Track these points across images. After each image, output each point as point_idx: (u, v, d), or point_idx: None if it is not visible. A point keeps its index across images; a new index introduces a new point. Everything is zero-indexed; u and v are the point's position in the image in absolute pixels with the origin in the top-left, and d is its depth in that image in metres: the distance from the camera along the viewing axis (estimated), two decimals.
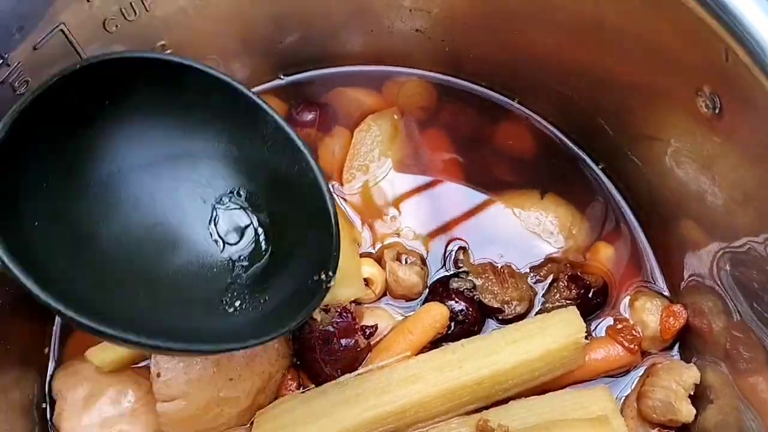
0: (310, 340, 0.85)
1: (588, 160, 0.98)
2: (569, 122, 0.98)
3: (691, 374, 0.82)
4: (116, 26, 0.84)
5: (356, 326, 0.86)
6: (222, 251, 0.78)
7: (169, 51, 0.92)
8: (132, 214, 0.75)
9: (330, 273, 0.73)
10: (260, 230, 0.79)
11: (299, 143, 0.76)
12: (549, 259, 0.94)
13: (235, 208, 0.79)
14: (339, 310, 0.85)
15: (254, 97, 0.76)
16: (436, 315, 0.88)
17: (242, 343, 0.69)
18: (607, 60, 0.83)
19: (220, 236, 0.78)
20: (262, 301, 0.75)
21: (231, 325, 0.73)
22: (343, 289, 0.86)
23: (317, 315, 0.85)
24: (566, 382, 0.86)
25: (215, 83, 0.75)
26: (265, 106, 0.76)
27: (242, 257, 0.78)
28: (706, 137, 0.76)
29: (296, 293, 0.74)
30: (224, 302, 0.75)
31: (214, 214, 0.79)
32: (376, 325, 0.88)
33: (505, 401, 0.84)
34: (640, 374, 0.88)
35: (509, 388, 0.84)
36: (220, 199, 0.79)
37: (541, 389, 0.85)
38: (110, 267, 0.71)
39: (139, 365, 0.89)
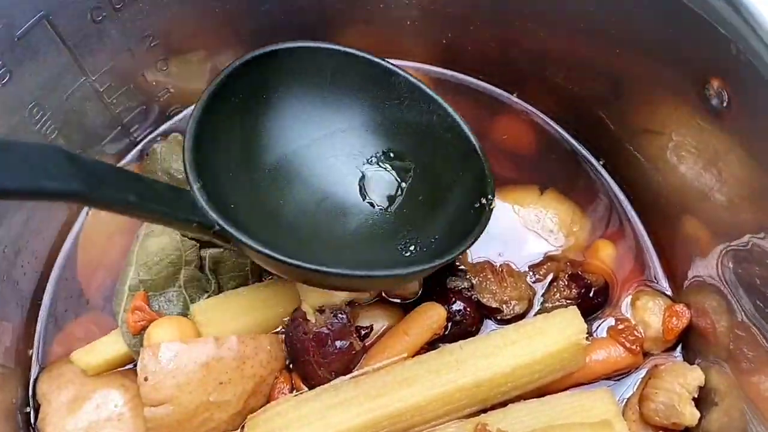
0: (303, 341, 0.82)
1: (589, 156, 0.96)
2: (569, 116, 0.95)
3: (695, 376, 0.80)
4: (104, 15, 0.81)
5: (351, 328, 0.83)
6: (386, 209, 0.85)
7: (156, 42, 0.89)
8: (303, 193, 0.83)
9: (489, 196, 0.79)
10: (415, 182, 0.85)
11: (432, 94, 0.84)
12: (548, 258, 0.92)
13: (387, 169, 0.86)
14: (334, 311, 0.83)
15: (387, 64, 0.84)
16: (433, 316, 0.86)
17: (419, 267, 0.75)
18: (609, 52, 0.80)
19: (380, 196, 0.85)
20: (432, 240, 0.80)
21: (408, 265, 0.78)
22: (338, 292, 0.84)
23: (311, 316, 0.83)
24: (567, 384, 0.84)
25: (353, 59, 0.83)
26: (397, 69, 0.84)
27: (405, 210, 0.84)
28: (712, 132, 0.74)
29: (463, 224, 0.79)
30: (400, 250, 0.80)
31: (372, 177, 0.86)
32: (371, 326, 0.86)
33: (503, 404, 0.82)
34: (642, 375, 0.86)
35: (508, 390, 0.82)
36: (374, 163, 0.86)
37: (541, 391, 0.83)
38: (293, 241, 0.78)
39: (125, 368, 0.87)
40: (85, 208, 0.95)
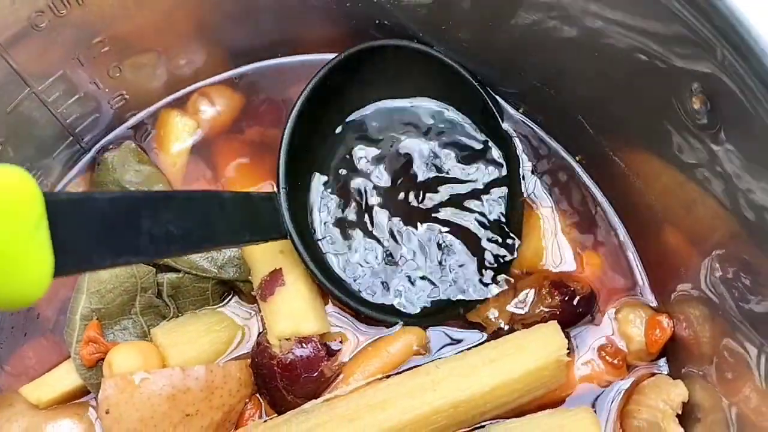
0: (270, 367, 0.78)
1: (572, 161, 0.92)
2: (549, 122, 0.91)
3: (678, 392, 0.77)
4: (47, 21, 0.75)
5: (321, 354, 0.79)
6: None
7: (106, 49, 0.83)
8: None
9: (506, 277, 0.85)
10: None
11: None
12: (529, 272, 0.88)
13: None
14: (300, 339, 0.78)
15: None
16: (414, 338, 0.83)
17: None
18: (595, 60, 0.76)
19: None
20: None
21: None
22: (306, 323, 0.79)
23: (276, 348, 0.78)
24: (547, 401, 0.81)
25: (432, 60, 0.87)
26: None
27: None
28: (694, 142, 0.71)
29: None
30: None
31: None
32: (341, 338, 0.82)
33: (481, 427, 0.79)
34: (626, 388, 0.83)
35: (487, 411, 0.79)
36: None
37: (522, 410, 0.80)
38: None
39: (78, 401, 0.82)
40: None
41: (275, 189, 0.83)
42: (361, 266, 0.85)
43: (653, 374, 0.83)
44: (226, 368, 0.77)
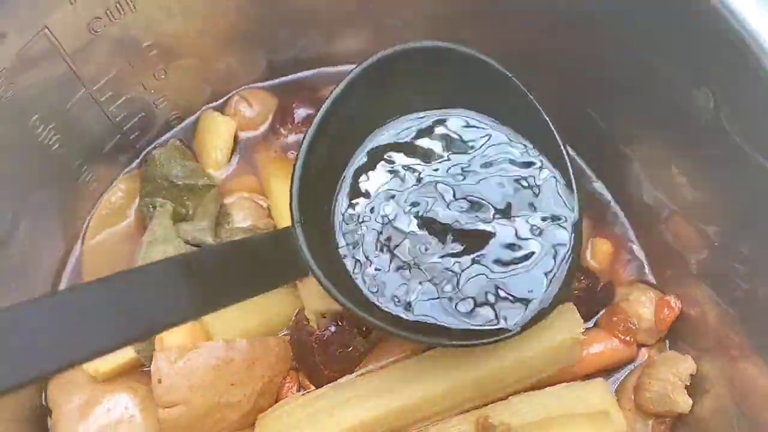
0: (308, 343, 0.84)
1: (576, 158, 0.98)
2: (562, 120, 0.97)
3: (686, 366, 0.83)
4: (103, 27, 0.82)
5: (353, 331, 0.85)
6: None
7: (154, 52, 0.90)
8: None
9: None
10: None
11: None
12: None
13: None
14: (335, 317, 0.85)
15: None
16: None
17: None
18: (603, 57, 0.83)
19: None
20: None
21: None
22: None
23: (313, 322, 0.85)
24: (565, 377, 0.87)
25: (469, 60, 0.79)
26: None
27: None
28: (700, 135, 0.77)
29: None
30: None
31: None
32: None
33: (504, 397, 0.85)
34: (637, 364, 0.89)
35: (508, 385, 0.85)
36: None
37: (540, 385, 0.86)
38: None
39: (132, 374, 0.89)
40: (90, 221, 0.97)
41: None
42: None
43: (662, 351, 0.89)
44: (266, 342, 0.84)
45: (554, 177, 0.80)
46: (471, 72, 0.80)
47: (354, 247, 0.78)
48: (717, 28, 0.67)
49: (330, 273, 0.73)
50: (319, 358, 0.84)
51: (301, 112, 1.00)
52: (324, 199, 0.79)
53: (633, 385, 0.86)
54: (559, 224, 0.78)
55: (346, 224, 0.79)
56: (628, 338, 0.88)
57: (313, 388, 0.86)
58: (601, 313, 0.92)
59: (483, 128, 0.82)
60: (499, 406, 0.84)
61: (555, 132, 0.79)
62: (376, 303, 0.76)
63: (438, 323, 0.76)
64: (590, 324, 0.92)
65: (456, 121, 0.82)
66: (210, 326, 0.85)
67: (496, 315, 0.76)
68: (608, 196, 0.97)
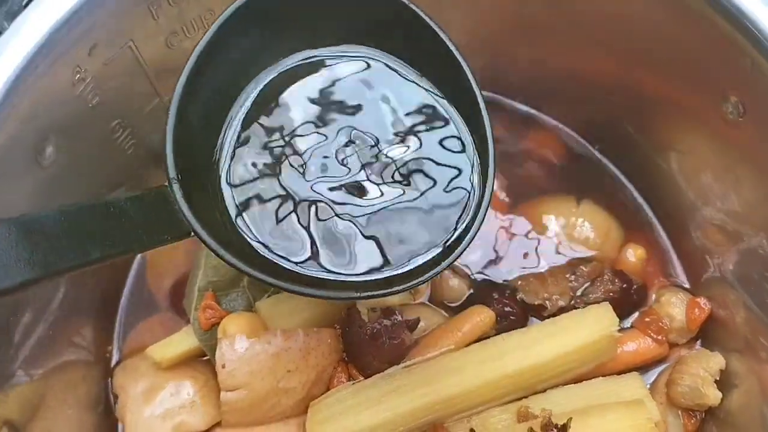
0: (359, 335, 0.90)
1: (614, 168, 1.05)
2: (598, 131, 1.04)
3: (716, 361, 0.88)
4: (178, 42, 0.90)
5: (402, 325, 0.91)
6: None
7: None
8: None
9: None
10: None
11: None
12: (588, 260, 0.99)
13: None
14: (385, 310, 0.91)
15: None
16: (484, 318, 0.94)
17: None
18: (636, 70, 0.90)
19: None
20: None
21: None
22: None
23: (365, 315, 0.91)
24: (600, 373, 0.92)
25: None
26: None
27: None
28: (730, 142, 0.83)
29: None
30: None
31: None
32: (418, 318, 0.93)
33: (543, 391, 0.90)
34: (669, 364, 0.94)
35: (547, 379, 0.90)
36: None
37: (577, 381, 0.91)
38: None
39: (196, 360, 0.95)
40: None
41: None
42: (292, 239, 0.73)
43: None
44: (319, 334, 0.90)
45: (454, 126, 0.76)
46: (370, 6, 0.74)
47: (245, 204, 0.73)
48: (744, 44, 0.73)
49: (219, 233, 0.69)
50: (369, 349, 0.90)
51: None
52: (208, 153, 0.74)
53: (665, 381, 0.91)
54: (454, 174, 0.75)
55: (235, 179, 0.74)
56: (660, 337, 0.93)
57: (361, 378, 0.91)
58: (635, 314, 0.97)
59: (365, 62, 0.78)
60: (539, 397, 0.89)
61: (471, 79, 0.74)
62: (271, 259, 0.72)
63: (345, 278, 0.72)
64: (626, 324, 0.97)
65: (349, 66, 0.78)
66: (268, 318, 0.91)
67: (387, 261, 0.73)
68: (643, 204, 1.03)
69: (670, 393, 0.90)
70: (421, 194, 0.75)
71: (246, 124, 0.76)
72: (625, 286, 0.95)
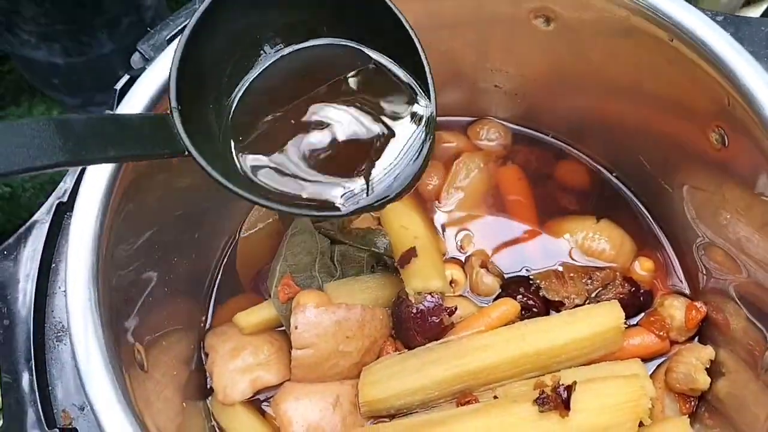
0: (406, 315, 1.09)
1: (629, 192, 1.24)
2: (616, 161, 1.23)
3: (707, 352, 1.04)
4: None
5: (442, 307, 1.10)
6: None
7: None
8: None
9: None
10: None
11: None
12: (603, 269, 1.17)
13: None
14: (430, 294, 1.10)
15: None
16: (511, 308, 1.11)
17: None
18: (643, 111, 1.09)
19: None
20: None
21: None
22: (432, 281, 1.11)
23: (412, 297, 1.10)
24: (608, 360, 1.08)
25: None
26: None
27: None
28: (720, 170, 1.00)
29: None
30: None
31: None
32: (456, 306, 1.12)
33: (557, 371, 1.06)
34: (669, 356, 1.10)
35: (562, 361, 1.05)
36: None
37: (587, 365, 1.07)
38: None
39: (272, 330, 1.16)
40: (248, 218, 1.27)
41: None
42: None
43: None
44: (374, 311, 1.09)
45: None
46: None
47: (242, 139, 0.86)
48: (722, 83, 0.92)
49: (215, 159, 0.80)
50: (414, 326, 1.09)
51: None
52: (216, 88, 0.86)
53: (664, 370, 1.06)
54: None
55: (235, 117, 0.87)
56: (662, 334, 1.08)
57: (407, 350, 1.10)
58: (641, 315, 1.14)
59: None
60: (553, 375, 1.05)
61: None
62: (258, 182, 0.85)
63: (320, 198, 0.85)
64: (633, 322, 1.13)
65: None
66: (333, 297, 1.11)
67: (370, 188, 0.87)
68: (653, 223, 1.21)
69: (667, 379, 1.05)
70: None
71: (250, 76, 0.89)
72: (633, 290, 1.12)
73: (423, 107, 0.89)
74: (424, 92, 0.88)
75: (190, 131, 0.78)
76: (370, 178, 0.87)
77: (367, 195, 0.87)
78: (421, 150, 0.88)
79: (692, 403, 1.05)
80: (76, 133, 0.68)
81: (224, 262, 1.27)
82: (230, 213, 1.25)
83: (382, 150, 0.88)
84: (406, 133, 0.89)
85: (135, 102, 0.91)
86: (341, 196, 0.86)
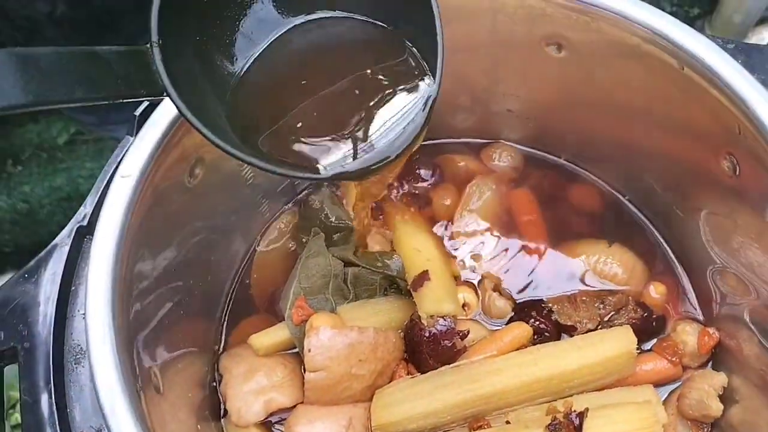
0: (419, 338, 1.10)
1: (642, 216, 1.24)
2: (628, 185, 1.24)
3: (720, 378, 1.04)
4: None
5: (455, 331, 1.11)
6: None
7: None
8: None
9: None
10: None
11: None
12: (615, 293, 1.17)
13: None
14: (442, 317, 1.11)
15: None
16: (523, 332, 1.11)
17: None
18: (654, 136, 1.10)
19: None
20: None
21: None
22: (445, 304, 1.12)
23: (425, 320, 1.11)
24: (620, 387, 1.08)
25: None
26: None
27: None
28: (730, 194, 1.01)
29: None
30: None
31: None
32: (468, 329, 1.12)
33: (569, 397, 1.07)
34: (681, 381, 1.10)
35: (574, 386, 1.06)
36: None
37: (599, 391, 1.07)
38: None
39: (286, 352, 1.17)
40: (263, 240, 1.29)
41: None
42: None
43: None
44: (387, 334, 1.10)
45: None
46: None
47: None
48: (733, 111, 0.92)
49: (199, 104, 0.75)
50: (426, 350, 1.09)
51: (422, 172, 1.31)
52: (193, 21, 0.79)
53: (677, 396, 1.06)
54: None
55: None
56: (675, 359, 1.08)
57: (418, 374, 1.11)
58: (654, 341, 1.14)
59: None
60: (565, 401, 1.05)
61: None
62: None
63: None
64: (646, 348, 1.13)
65: None
66: (346, 320, 1.12)
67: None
68: (666, 247, 1.21)
69: (680, 405, 1.05)
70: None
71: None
72: (646, 315, 1.13)
73: (426, 85, 0.84)
74: (431, 72, 0.84)
75: (171, 72, 0.72)
76: (359, 142, 0.83)
77: (354, 159, 0.82)
78: (414, 126, 0.83)
79: (705, 431, 1.05)
80: (42, 71, 0.63)
81: (238, 284, 1.28)
82: (245, 235, 1.27)
83: (374, 113, 0.84)
84: (402, 104, 0.84)
85: (155, 129, 0.94)
86: (324, 160, 0.82)
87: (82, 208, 1.01)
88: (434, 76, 0.82)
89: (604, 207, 1.27)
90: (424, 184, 1.31)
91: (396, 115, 0.83)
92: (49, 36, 2.07)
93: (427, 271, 1.13)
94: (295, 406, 1.11)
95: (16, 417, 1.56)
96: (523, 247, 1.24)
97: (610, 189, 1.27)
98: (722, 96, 0.93)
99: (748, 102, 0.90)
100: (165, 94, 0.72)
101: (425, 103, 0.83)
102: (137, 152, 0.92)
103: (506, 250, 1.24)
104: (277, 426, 1.13)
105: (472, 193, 1.28)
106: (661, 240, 1.22)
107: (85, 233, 1.00)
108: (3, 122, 2.66)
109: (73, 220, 1.01)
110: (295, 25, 0.87)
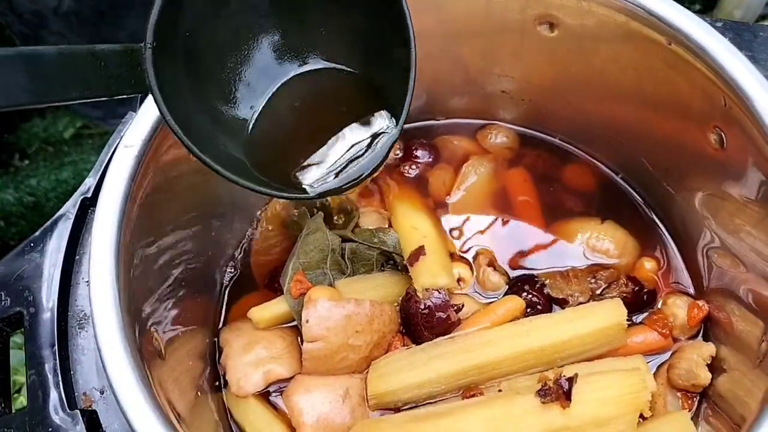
0: (414, 310, 1.13)
1: (634, 193, 1.26)
2: (620, 163, 1.26)
3: (708, 349, 1.06)
4: None
5: (449, 304, 1.13)
6: None
7: None
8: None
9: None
10: None
11: None
12: (607, 268, 1.20)
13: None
14: (437, 290, 1.13)
15: None
16: (516, 305, 1.14)
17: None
18: (644, 113, 1.12)
19: None
20: None
21: None
22: (440, 278, 1.15)
23: (420, 294, 1.14)
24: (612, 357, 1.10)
25: None
26: None
27: None
28: (717, 167, 1.03)
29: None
30: None
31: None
32: (463, 303, 1.15)
33: (561, 368, 1.09)
34: (671, 353, 1.12)
35: (565, 357, 1.08)
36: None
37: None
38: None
39: (285, 325, 1.20)
40: (263, 216, 1.32)
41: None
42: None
43: None
44: (383, 306, 1.12)
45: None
46: None
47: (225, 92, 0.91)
48: (720, 85, 0.95)
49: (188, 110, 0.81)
50: (422, 322, 1.12)
51: (419, 153, 1.33)
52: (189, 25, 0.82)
53: (666, 366, 1.08)
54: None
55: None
56: (665, 331, 1.11)
57: (414, 346, 1.13)
58: (645, 314, 1.16)
59: None
60: (556, 370, 1.08)
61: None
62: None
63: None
64: (636, 320, 1.15)
65: None
66: (343, 293, 1.15)
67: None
68: (659, 223, 1.23)
69: (669, 375, 1.07)
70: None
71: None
72: (637, 289, 1.15)
73: (392, 126, 0.94)
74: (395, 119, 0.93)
75: (162, 79, 0.77)
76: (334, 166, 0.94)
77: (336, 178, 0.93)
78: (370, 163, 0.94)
79: (694, 400, 1.07)
80: (43, 71, 0.66)
81: (239, 260, 1.31)
82: (246, 213, 1.29)
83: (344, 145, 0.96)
84: (368, 140, 0.96)
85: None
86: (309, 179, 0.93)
87: (87, 180, 1.04)
88: (397, 123, 0.92)
89: (598, 185, 1.29)
90: (421, 164, 1.33)
91: (362, 146, 0.95)
92: (54, 29, 2.10)
93: (423, 246, 1.16)
94: (293, 377, 1.14)
95: (21, 400, 1.59)
96: (518, 225, 1.27)
97: (603, 167, 1.30)
98: (708, 69, 0.95)
99: (733, 74, 0.93)
100: (149, 93, 0.77)
101: (388, 141, 0.94)
102: (140, 124, 0.96)
103: (502, 226, 1.27)
104: (274, 395, 1.16)
105: (468, 172, 1.31)
106: (653, 216, 1.25)
107: (90, 205, 1.03)
108: (9, 117, 2.69)
109: (77, 192, 1.04)
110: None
